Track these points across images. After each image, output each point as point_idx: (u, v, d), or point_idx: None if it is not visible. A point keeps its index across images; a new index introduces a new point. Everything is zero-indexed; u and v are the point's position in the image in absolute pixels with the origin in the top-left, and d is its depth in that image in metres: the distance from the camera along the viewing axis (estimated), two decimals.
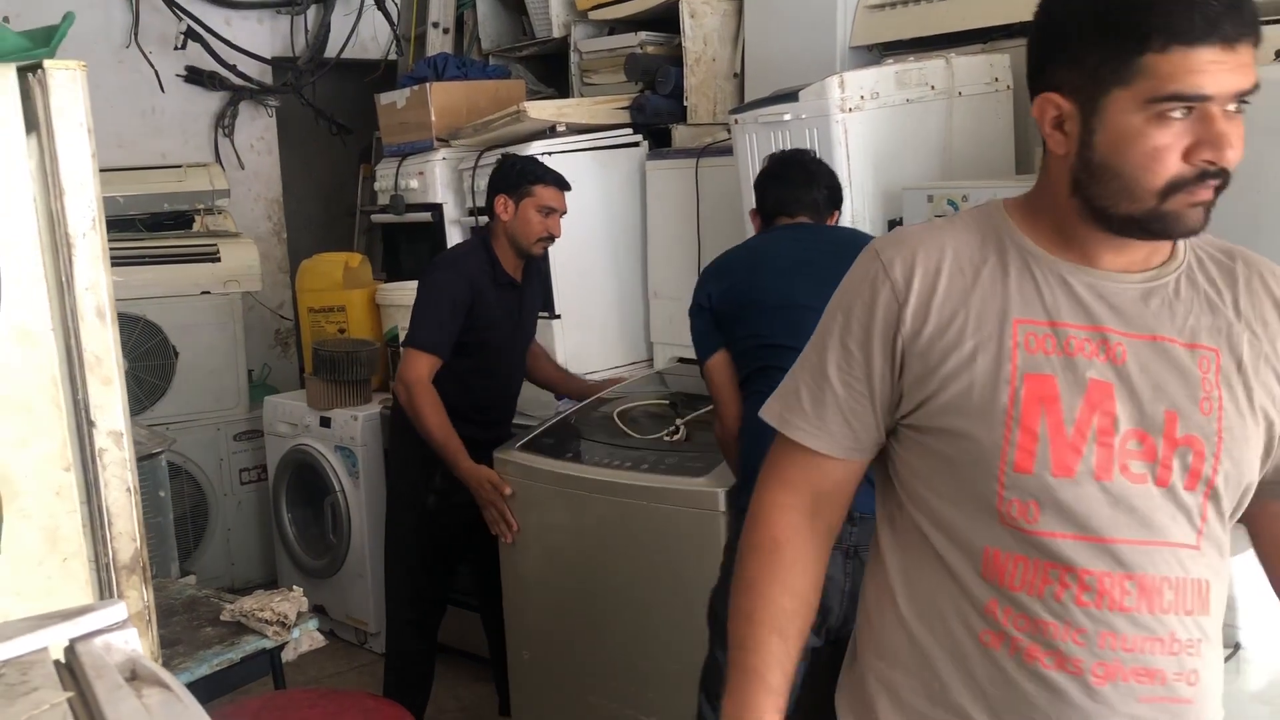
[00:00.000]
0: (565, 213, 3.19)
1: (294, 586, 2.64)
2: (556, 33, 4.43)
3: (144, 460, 3.03)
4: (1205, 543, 1.17)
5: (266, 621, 2.52)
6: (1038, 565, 1.15)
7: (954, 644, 1.21)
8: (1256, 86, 1.06)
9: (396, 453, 3.39)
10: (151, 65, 4.78)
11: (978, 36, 3.26)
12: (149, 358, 4.27)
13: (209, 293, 4.39)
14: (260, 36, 5.15)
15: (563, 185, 3.18)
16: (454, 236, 4.08)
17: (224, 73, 5.01)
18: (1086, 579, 1.14)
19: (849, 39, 3.47)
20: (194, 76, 4.97)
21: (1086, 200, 1.14)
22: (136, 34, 4.75)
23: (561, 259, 3.62)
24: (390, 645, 3.37)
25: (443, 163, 4.10)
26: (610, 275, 3.83)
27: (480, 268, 3.12)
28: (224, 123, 5.09)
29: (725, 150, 3.39)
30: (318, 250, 4.62)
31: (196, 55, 4.94)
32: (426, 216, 4.14)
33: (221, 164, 4.94)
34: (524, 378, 3.37)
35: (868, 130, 2.95)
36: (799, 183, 2.61)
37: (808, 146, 2.96)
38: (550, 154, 3.72)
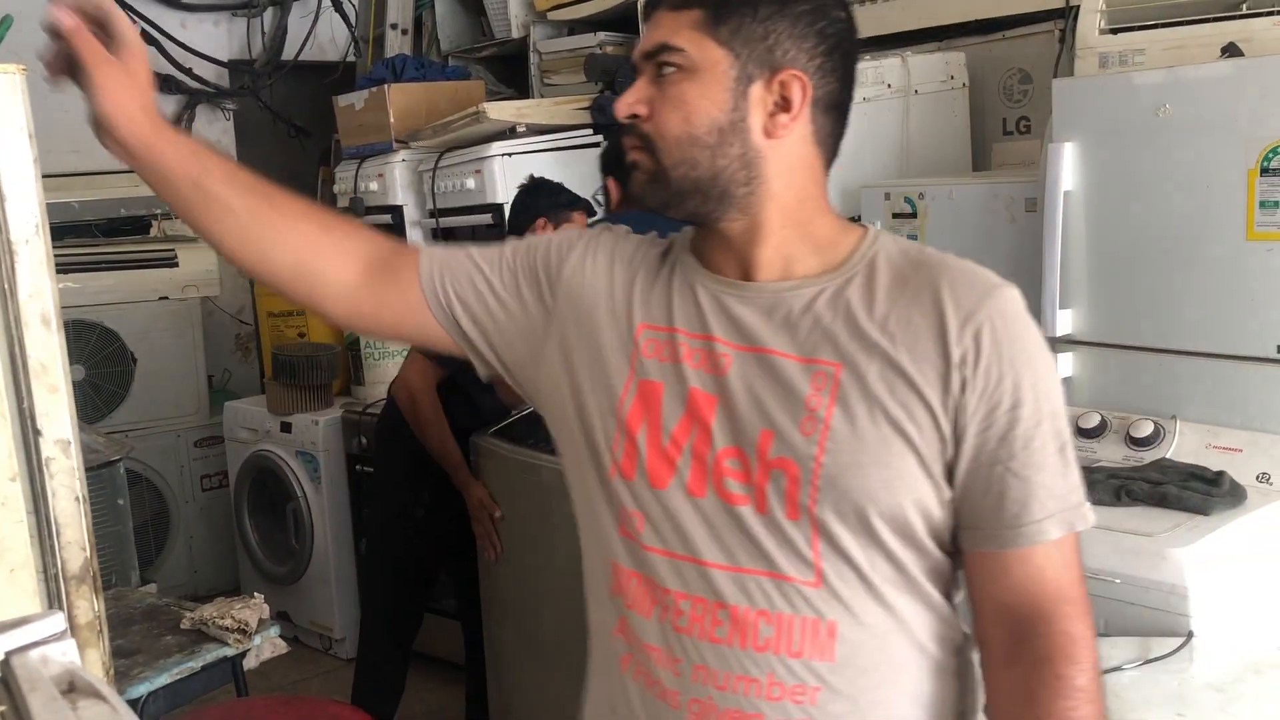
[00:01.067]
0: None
1: (255, 593, 2.62)
2: (516, 33, 4.43)
3: (102, 468, 2.99)
4: (833, 580, 1.03)
5: (227, 629, 2.49)
6: (647, 583, 1.08)
7: (606, 662, 1.17)
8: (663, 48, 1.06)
9: (384, 462, 3.33)
10: None
11: (933, 35, 3.28)
12: (107, 364, 4.22)
13: (167, 298, 4.35)
14: (216, 39, 5.10)
15: (592, 212, 3.18)
16: (414, 238, 4.06)
17: (180, 76, 4.95)
18: (681, 603, 1.06)
19: None
20: None
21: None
22: None
23: None
24: (363, 654, 3.33)
25: (402, 164, 4.08)
26: None
27: None
28: (180, 126, 5.04)
29: None
30: None
31: (151, 59, 4.86)
32: (387, 219, 4.11)
33: None
34: None
35: None
36: None
37: None
38: (510, 155, 3.72)
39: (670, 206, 1.09)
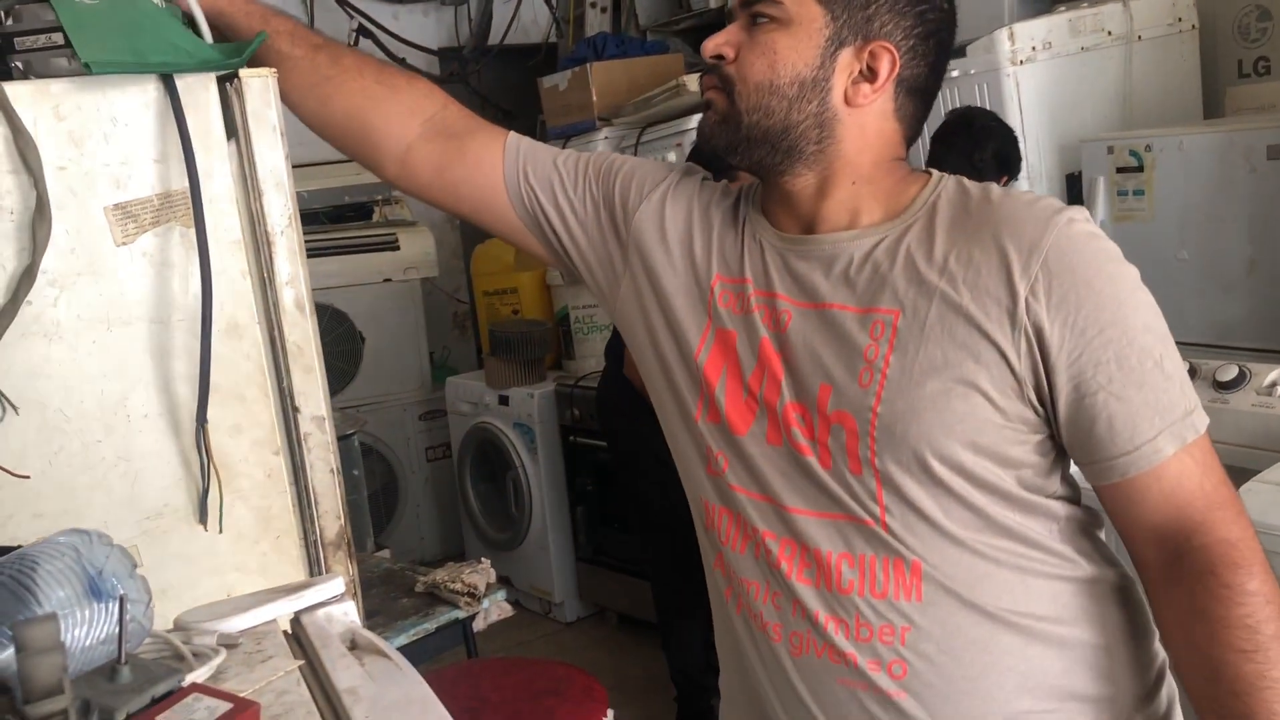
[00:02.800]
0: None
1: (482, 559, 2.74)
2: (714, 3, 4.41)
3: (340, 441, 3.19)
4: (904, 526, 1.02)
5: (458, 593, 2.63)
6: (737, 520, 1.11)
7: (716, 594, 1.19)
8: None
9: (627, 432, 3.09)
10: None
11: None
12: (339, 344, 4.49)
13: (390, 280, 4.58)
14: (427, 29, 5.32)
15: None
16: None
17: (395, 66, 5.17)
18: (769, 543, 1.08)
19: None
20: None
21: None
22: None
23: None
24: (676, 667, 3.14)
25: (605, 142, 4.14)
26: None
27: None
28: None
29: None
30: (489, 236, 4.73)
31: (369, 51, 5.14)
32: None
33: None
34: None
35: (1041, 83, 2.85)
36: (959, 147, 2.55)
37: (978, 103, 2.88)
38: None
39: (736, 151, 1.10)
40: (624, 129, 4.09)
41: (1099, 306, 0.98)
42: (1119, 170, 2.76)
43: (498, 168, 1.24)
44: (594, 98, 4.15)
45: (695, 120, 3.70)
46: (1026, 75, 2.86)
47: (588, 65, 4.18)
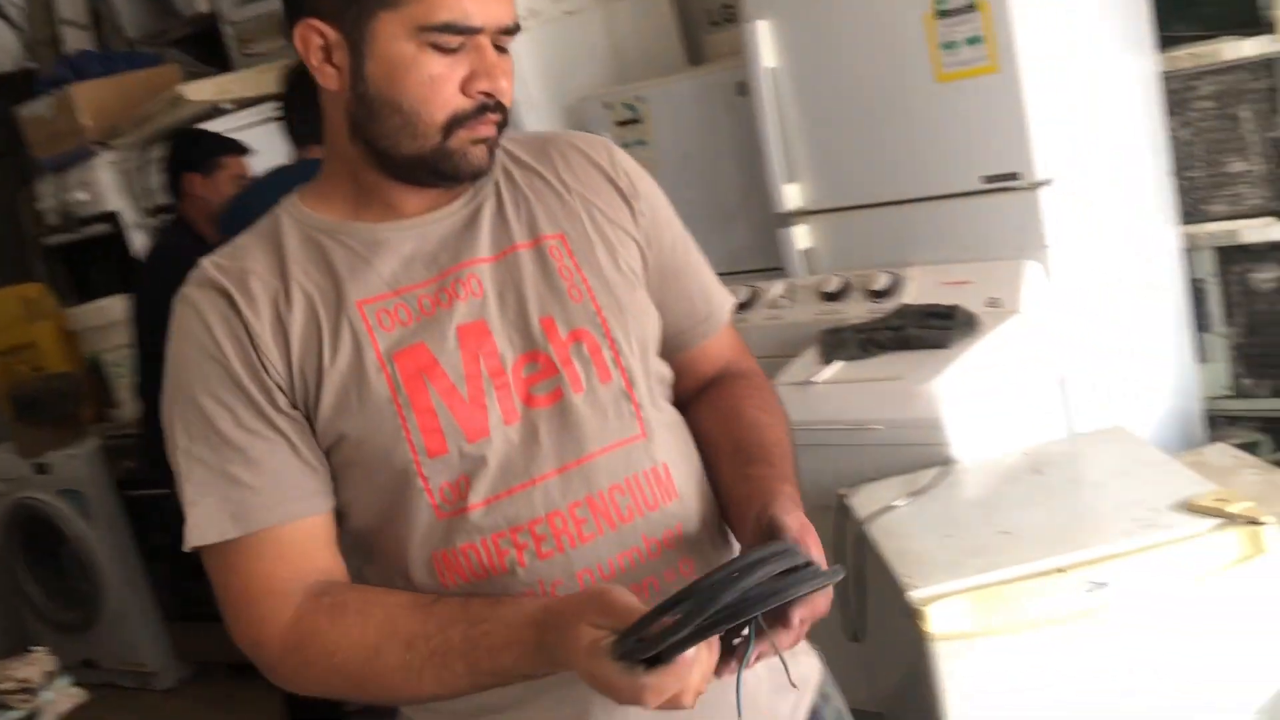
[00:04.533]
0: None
1: (30, 648, 2.43)
2: (202, 7, 4.16)
3: None
4: (653, 426, 1.08)
5: (9, 692, 2.32)
6: (487, 543, 1.03)
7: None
8: (518, 25, 1.04)
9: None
10: None
11: None
12: None
13: None
14: None
15: (245, 151, 3.09)
16: (140, 241, 3.81)
17: None
18: (538, 529, 1.02)
19: None
20: None
21: (369, 143, 1.04)
22: None
23: None
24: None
25: (108, 166, 3.81)
26: None
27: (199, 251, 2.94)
28: None
29: None
30: None
31: None
32: (105, 227, 3.85)
33: None
34: None
35: (533, 48, 2.92)
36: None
37: None
38: (226, 134, 3.52)
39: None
40: (127, 150, 3.77)
41: (664, 205, 1.18)
42: (619, 124, 2.90)
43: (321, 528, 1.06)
44: (85, 121, 3.80)
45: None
46: (518, 44, 2.92)
47: (70, 87, 3.81)
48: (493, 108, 1.02)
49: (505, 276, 1.06)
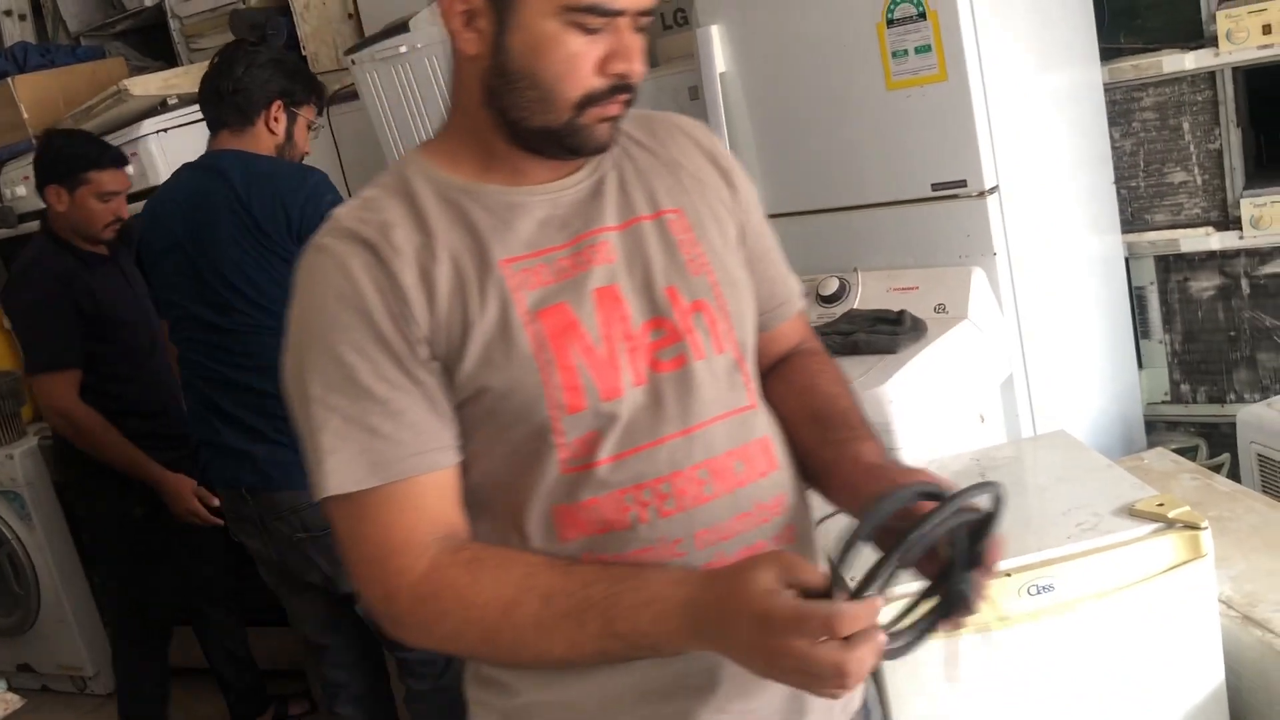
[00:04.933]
0: (129, 190, 2.98)
1: None
2: (149, 1, 4.09)
3: None
4: (758, 398, 1.14)
5: None
6: (612, 498, 1.04)
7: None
8: (655, 8, 1.06)
9: (81, 481, 3.07)
10: None
11: None
12: None
13: None
14: None
15: (121, 162, 2.93)
16: None
17: None
18: (661, 487, 1.05)
19: None
20: None
21: (501, 112, 1.05)
22: None
23: None
24: (120, 677, 3.12)
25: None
26: None
27: (63, 262, 2.87)
28: None
29: (354, 95, 3.25)
30: None
31: None
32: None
33: None
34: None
35: None
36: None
37: (430, 77, 2.89)
38: (166, 130, 3.45)
39: None
40: None
41: (751, 189, 1.23)
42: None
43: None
44: (24, 114, 3.71)
45: (149, 125, 3.41)
46: None
47: (9, 79, 3.72)
48: (624, 88, 1.04)
49: (632, 245, 1.10)
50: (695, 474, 1.06)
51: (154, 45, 4.35)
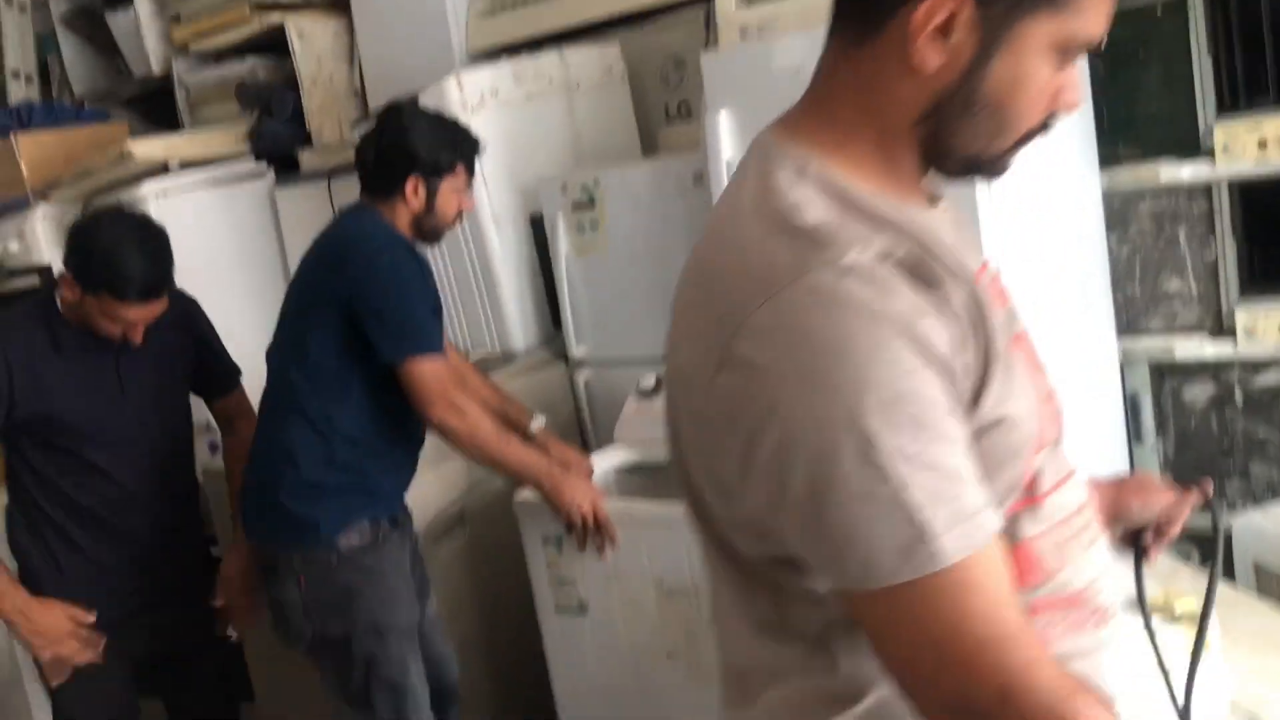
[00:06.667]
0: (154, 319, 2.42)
1: None
2: (156, 69, 4.14)
3: None
4: None
5: None
6: (1053, 532, 0.99)
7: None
8: None
9: None
10: None
11: (586, 33, 3.33)
12: None
13: None
14: None
15: (155, 295, 2.35)
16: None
17: None
18: (1075, 520, 1.01)
19: (465, 47, 3.45)
20: None
21: (935, 134, 0.93)
22: None
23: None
24: None
25: (44, 220, 3.71)
26: (253, 311, 3.60)
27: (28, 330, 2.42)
28: None
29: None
30: None
31: None
32: (34, 280, 3.74)
33: None
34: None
35: (495, 128, 2.94)
36: None
37: None
38: (166, 193, 3.47)
39: None
40: (65, 204, 3.69)
41: None
42: (575, 205, 2.92)
43: None
44: (24, 171, 3.72)
45: (149, 188, 3.42)
46: (480, 122, 2.92)
47: (13, 136, 3.74)
48: (1053, 118, 0.96)
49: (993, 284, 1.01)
50: (1087, 510, 1.08)
51: (157, 112, 4.39)
